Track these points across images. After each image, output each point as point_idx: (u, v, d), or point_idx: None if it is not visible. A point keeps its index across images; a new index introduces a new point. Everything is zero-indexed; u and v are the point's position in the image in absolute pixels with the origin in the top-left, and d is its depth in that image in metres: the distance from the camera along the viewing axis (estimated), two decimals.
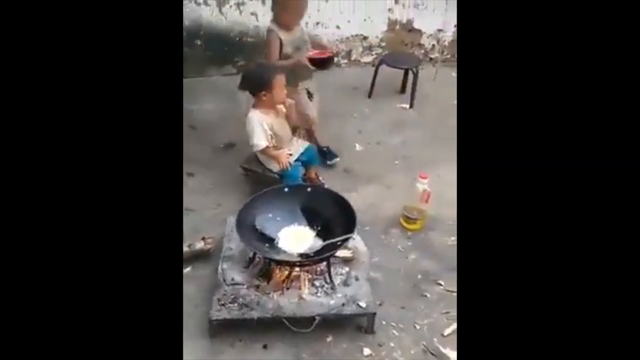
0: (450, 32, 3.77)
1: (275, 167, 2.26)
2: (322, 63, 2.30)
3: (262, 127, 2.15)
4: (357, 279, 1.77)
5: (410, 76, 3.22)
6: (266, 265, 1.77)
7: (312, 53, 2.28)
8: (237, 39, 3.47)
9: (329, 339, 1.72)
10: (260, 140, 2.16)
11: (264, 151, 2.21)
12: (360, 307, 1.70)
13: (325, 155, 2.64)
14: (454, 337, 1.73)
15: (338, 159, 2.65)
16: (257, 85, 2.12)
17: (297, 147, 2.38)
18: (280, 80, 2.10)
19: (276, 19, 2.28)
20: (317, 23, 3.54)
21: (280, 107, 2.23)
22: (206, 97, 3.18)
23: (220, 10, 3.33)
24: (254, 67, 2.25)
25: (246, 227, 1.77)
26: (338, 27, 3.53)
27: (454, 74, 3.60)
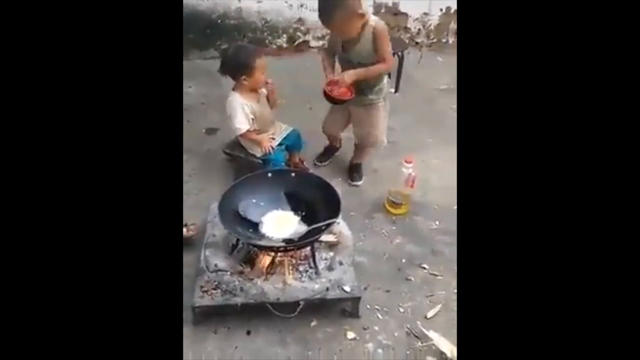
0: (436, 16, 3.74)
1: (258, 152, 2.23)
2: (339, 101, 2.08)
3: (242, 110, 2.10)
4: (341, 264, 1.77)
5: (396, 60, 3.18)
6: (249, 251, 1.75)
7: (333, 88, 2.01)
8: (219, 20, 3.38)
9: (314, 323, 1.72)
10: (241, 124, 2.12)
11: (245, 135, 2.17)
12: (345, 291, 1.70)
13: (352, 175, 2.40)
14: (437, 320, 1.74)
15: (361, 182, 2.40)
16: (238, 68, 2.06)
17: (280, 130, 2.34)
18: (261, 63, 2.04)
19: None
20: (301, 5, 3.48)
21: (262, 89, 2.19)
22: (187, 82, 3.10)
23: None
24: (234, 50, 2.17)
25: (229, 212, 1.74)
26: None
27: (440, 58, 3.59)
